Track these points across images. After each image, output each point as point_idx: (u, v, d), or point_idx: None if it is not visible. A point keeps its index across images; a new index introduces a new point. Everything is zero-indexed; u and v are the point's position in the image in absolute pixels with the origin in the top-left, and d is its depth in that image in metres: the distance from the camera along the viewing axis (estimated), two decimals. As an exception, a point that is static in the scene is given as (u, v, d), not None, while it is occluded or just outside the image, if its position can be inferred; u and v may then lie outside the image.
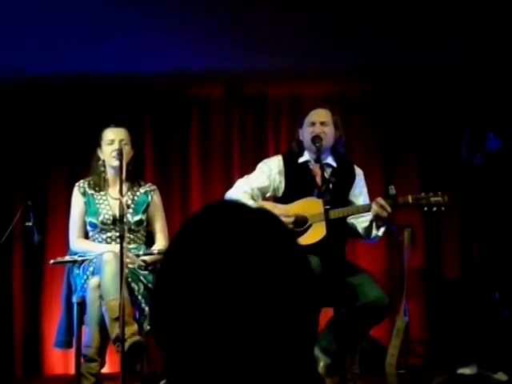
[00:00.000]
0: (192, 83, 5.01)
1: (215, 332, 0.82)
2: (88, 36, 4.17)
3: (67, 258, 3.52)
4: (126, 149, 3.52)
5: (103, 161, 3.61)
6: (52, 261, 3.48)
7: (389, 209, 3.14)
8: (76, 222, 3.61)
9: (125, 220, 3.31)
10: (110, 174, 3.62)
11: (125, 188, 3.54)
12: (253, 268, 0.83)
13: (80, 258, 3.44)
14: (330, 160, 3.52)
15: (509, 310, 4.15)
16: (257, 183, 3.49)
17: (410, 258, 3.95)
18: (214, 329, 0.82)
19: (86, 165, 4.62)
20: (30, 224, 3.54)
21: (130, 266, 3.31)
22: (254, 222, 0.89)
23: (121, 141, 3.54)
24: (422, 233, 4.81)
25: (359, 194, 3.53)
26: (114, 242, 3.48)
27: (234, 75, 4.87)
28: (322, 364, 3.19)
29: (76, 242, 3.58)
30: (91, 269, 3.34)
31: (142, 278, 3.36)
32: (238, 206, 0.92)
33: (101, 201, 3.59)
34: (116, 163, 3.43)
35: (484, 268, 4.62)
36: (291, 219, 3.30)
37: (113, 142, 3.54)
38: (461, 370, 3.48)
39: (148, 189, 3.70)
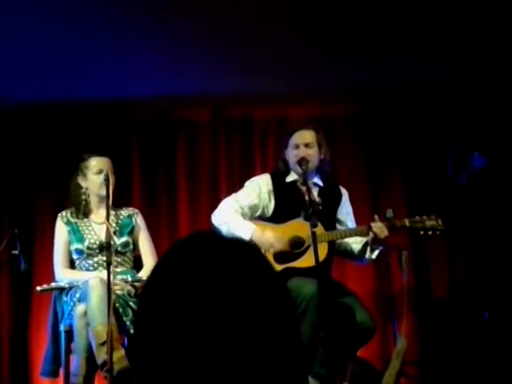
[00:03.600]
0: (179, 107, 5.03)
1: (195, 362, 0.82)
2: (74, 62, 4.18)
3: (53, 284, 3.49)
4: (112, 178, 3.53)
5: (86, 188, 3.62)
6: (39, 288, 3.45)
7: (386, 232, 3.16)
8: (60, 252, 3.60)
9: (112, 243, 3.33)
10: (93, 201, 3.64)
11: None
12: (233, 297, 0.83)
13: (67, 285, 3.42)
14: (316, 179, 3.53)
15: (498, 328, 4.16)
16: (246, 202, 3.46)
17: (396, 280, 3.96)
18: (194, 359, 0.82)
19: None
20: (17, 252, 3.52)
21: (118, 292, 3.30)
22: (235, 253, 0.89)
23: (108, 170, 3.55)
24: (409, 253, 4.81)
25: (346, 213, 3.54)
26: (101, 267, 3.47)
27: (220, 98, 4.89)
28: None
29: (61, 272, 3.57)
30: (78, 295, 3.31)
31: (131, 303, 3.34)
32: (220, 237, 0.93)
33: (85, 227, 3.60)
34: (104, 192, 3.44)
35: (473, 287, 4.63)
36: (287, 243, 3.29)
37: (101, 172, 3.55)
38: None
39: (131, 212, 3.73)
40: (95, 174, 3.58)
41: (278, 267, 3.25)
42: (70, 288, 3.44)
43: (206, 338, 0.82)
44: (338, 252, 3.47)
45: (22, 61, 4.09)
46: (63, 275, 3.55)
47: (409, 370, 4.40)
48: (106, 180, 3.31)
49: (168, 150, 5.03)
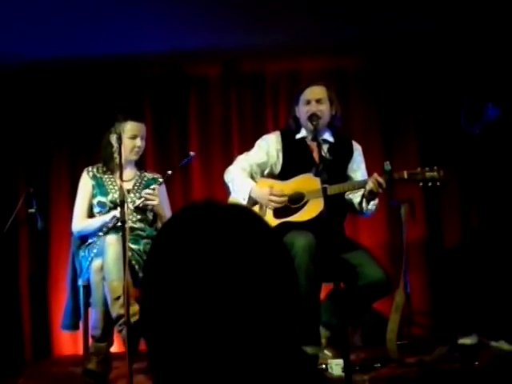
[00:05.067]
0: (189, 62, 5.01)
1: (200, 325, 0.86)
2: (84, 19, 4.16)
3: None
4: (143, 143, 3.66)
5: (117, 147, 3.61)
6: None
7: (384, 185, 3.17)
8: (82, 204, 3.65)
9: (129, 200, 3.44)
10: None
11: (132, 173, 3.68)
12: (231, 256, 0.87)
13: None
14: (327, 136, 3.53)
15: (510, 278, 4.20)
16: (255, 159, 3.52)
17: (408, 232, 3.98)
18: (199, 321, 0.86)
19: (87, 149, 4.69)
20: (33, 211, 3.57)
21: (150, 202, 3.47)
22: (233, 220, 0.92)
23: (142, 137, 3.64)
24: (422, 205, 4.84)
25: (357, 168, 3.55)
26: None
27: (230, 53, 4.86)
28: (323, 337, 3.25)
29: (78, 221, 3.63)
30: (95, 251, 3.39)
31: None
32: (219, 205, 0.96)
33: (109, 182, 3.64)
34: (134, 157, 3.63)
35: (485, 237, 4.66)
36: (285, 198, 3.33)
37: (135, 137, 3.62)
38: (461, 340, 3.53)
39: (155, 176, 3.79)
40: (129, 139, 3.61)
41: (276, 221, 3.33)
42: (88, 244, 3.52)
43: (209, 294, 0.86)
44: (348, 207, 3.50)
45: (33, 18, 4.08)
46: (79, 225, 3.62)
47: (420, 320, 4.49)
48: (119, 139, 3.32)
49: (180, 105, 5.03)
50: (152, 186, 3.56)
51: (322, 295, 3.33)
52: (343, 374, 2.71)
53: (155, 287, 0.90)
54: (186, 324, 0.86)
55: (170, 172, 3.62)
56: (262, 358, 0.87)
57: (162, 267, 0.90)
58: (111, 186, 3.63)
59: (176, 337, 0.87)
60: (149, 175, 3.78)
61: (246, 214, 0.95)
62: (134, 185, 3.68)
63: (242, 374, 0.86)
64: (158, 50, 4.70)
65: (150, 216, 3.65)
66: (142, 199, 3.52)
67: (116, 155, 3.56)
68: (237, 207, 0.97)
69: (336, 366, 3.04)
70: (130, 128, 3.61)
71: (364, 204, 3.34)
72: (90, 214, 3.65)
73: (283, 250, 0.93)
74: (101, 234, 3.48)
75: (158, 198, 3.54)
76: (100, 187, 3.64)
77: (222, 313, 0.86)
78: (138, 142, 3.63)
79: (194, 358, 0.87)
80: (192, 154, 3.81)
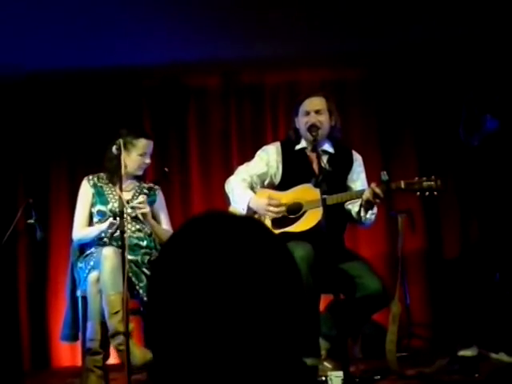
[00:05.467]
0: (189, 73, 5.03)
1: (204, 332, 0.85)
2: (84, 30, 4.18)
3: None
4: (149, 160, 3.70)
5: (121, 160, 3.57)
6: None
7: (381, 195, 3.17)
8: (82, 212, 3.65)
9: (129, 211, 3.46)
10: (124, 173, 3.63)
11: (132, 185, 3.71)
12: (239, 264, 0.87)
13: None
14: (326, 147, 3.53)
15: (510, 290, 4.19)
16: (255, 170, 3.53)
17: (406, 243, 3.98)
18: (205, 329, 0.85)
19: (86, 159, 4.70)
20: (32, 221, 3.57)
21: (141, 211, 3.49)
22: (240, 229, 0.92)
23: (150, 154, 3.68)
24: (421, 216, 4.84)
25: (356, 179, 3.54)
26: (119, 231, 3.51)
27: (230, 64, 4.88)
28: (322, 348, 3.24)
29: (78, 229, 3.62)
30: (92, 263, 3.38)
31: (144, 269, 3.41)
32: (227, 215, 0.96)
33: (109, 192, 3.65)
34: (140, 173, 3.69)
35: (484, 249, 4.65)
36: (283, 208, 3.33)
37: (144, 155, 3.64)
38: (462, 352, 3.52)
39: (152, 186, 3.80)
40: (138, 155, 3.63)
41: (274, 232, 3.30)
42: (86, 255, 3.51)
43: (215, 303, 0.86)
44: (348, 218, 3.49)
45: (33, 30, 4.10)
46: (79, 233, 3.61)
47: (420, 332, 4.47)
48: (118, 149, 3.32)
49: (179, 117, 5.05)
50: (140, 197, 3.60)
51: (322, 307, 3.32)
52: (343, 386, 2.70)
53: (162, 296, 0.90)
54: (193, 332, 0.86)
55: (166, 169, 3.67)
56: (266, 366, 0.87)
57: (169, 276, 0.90)
58: (111, 196, 3.63)
59: (182, 345, 0.87)
60: (146, 185, 3.79)
61: (253, 225, 0.95)
62: (134, 195, 3.69)
63: (244, 381, 0.86)
64: (158, 61, 4.72)
65: (148, 227, 3.65)
66: (134, 209, 3.53)
67: (118, 167, 3.57)
68: (244, 218, 0.97)
69: (336, 378, 3.02)
70: (141, 145, 3.63)
71: (362, 213, 3.33)
72: (91, 223, 3.65)
73: (290, 259, 0.93)
74: (99, 244, 3.48)
75: (147, 206, 3.57)
76: (100, 196, 3.64)
77: (229, 321, 0.85)
78: (147, 159, 3.67)
79: (199, 367, 0.86)
80: (166, 169, 3.94)
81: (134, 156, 3.61)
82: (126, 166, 3.61)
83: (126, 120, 4.77)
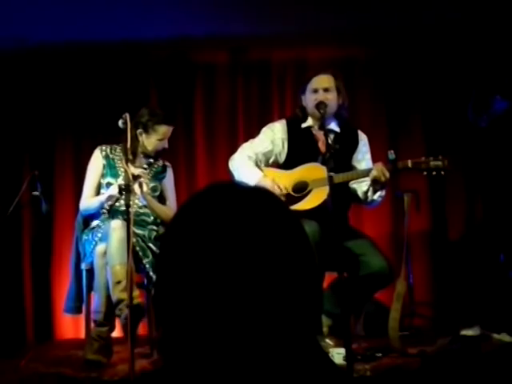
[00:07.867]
0: (196, 49, 4.99)
1: (216, 308, 0.84)
2: (90, 3, 4.15)
3: None
4: (167, 144, 3.71)
5: (141, 142, 3.64)
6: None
7: (387, 174, 3.16)
8: (91, 182, 3.64)
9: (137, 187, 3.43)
10: (139, 152, 3.69)
11: (145, 162, 3.69)
12: (251, 244, 0.86)
13: None
14: (333, 125, 3.51)
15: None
16: (260, 148, 3.51)
17: (410, 222, 3.96)
18: (215, 305, 0.84)
19: (92, 134, 4.69)
20: (38, 193, 3.57)
21: (143, 180, 3.46)
22: (252, 202, 0.91)
23: (168, 138, 3.69)
24: (427, 196, 4.82)
25: (362, 159, 3.53)
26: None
27: (237, 40, 4.84)
28: (324, 325, 3.25)
29: (85, 199, 3.62)
30: (99, 235, 3.39)
31: (150, 245, 3.42)
32: (238, 186, 0.95)
33: (121, 165, 3.59)
34: (153, 154, 3.68)
35: (489, 230, 4.65)
36: (285, 192, 3.32)
37: (163, 139, 3.66)
38: (464, 332, 3.53)
39: (165, 163, 3.81)
40: (158, 140, 3.64)
41: None
42: (92, 228, 3.51)
43: (226, 279, 0.85)
44: (353, 197, 3.49)
45: (38, 2, 4.06)
46: (84, 202, 3.62)
47: (422, 311, 4.48)
48: (125, 123, 3.29)
49: (185, 92, 5.02)
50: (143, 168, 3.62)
51: (325, 284, 3.33)
52: (344, 363, 2.71)
53: (172, 268, 0.89)
54: (202, 306, 0.85)
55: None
56: (280, 344, 0.86)
57: (178, 252, 0.88)
58: (122, 170, 3.61)
59: (191, 319, 0.86)
60: (159, 163, 3.78)
61: (265, 196, 0.93)
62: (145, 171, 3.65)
63: (256, 363, 0.85)
64: (165, 35, 4.68)
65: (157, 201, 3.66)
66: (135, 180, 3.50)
67: (140, 148, 3.63)
68: (255, 188, 0.95)
69: (337, 355, 3.04)
70: (162, 132, 3.64)
71: (370, 193, 3.32)
72: (98, 192, 3.63)
73: (304, 235, 0.91)
74: (104, 215, 3.48)
75: (147, 180, 3.55)
76: (111, 168, 3.63)
77: (241, 297, 0.84)
78: (166, 144, 3.68)
79: (209, 342, 0.85)
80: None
81: (154, 140, 3.63)
82: (142, 145, 3.64)
83: (132, 94, 4.75)
